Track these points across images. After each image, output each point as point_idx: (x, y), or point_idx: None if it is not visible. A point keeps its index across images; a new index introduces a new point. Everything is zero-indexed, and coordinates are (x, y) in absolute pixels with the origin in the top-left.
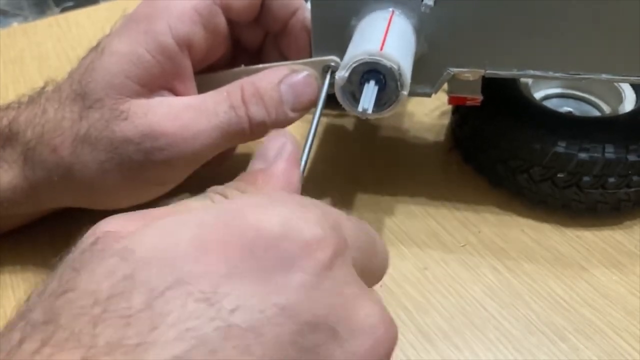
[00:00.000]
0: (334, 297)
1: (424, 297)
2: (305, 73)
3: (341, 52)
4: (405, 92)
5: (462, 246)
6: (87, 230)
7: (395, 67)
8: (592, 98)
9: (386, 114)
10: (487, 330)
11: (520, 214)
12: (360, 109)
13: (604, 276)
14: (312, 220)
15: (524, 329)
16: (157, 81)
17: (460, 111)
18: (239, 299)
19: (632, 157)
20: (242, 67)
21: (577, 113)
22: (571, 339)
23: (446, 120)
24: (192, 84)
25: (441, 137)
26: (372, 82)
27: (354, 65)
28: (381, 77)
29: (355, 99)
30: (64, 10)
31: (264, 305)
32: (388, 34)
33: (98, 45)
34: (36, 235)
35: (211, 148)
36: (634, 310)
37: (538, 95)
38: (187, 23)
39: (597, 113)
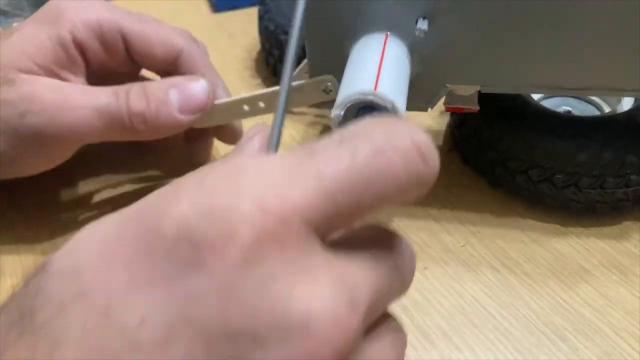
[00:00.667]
0: (257, 298)
1: (424, 297)
2: (201, 82)
3: (337, 70)
4: None
5: (462, 246)
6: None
7: (390, 105)
8: (592, 97)
9: None
10: (487, 330)
11: (520, 214)
12: None
13: (603, 276)
14: (220, 205)
15: (523, 329)
16: (50, 66)
17: (459, 113)
18: (144, 311)
19: (630, 157)
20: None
21: (575, 112)
22: (571, 339)
23: (445, 121)
24: (83, 79)
25: (440, 138)
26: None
27: (349, 104)
28: (376, 112)
29: None
30: None
31: (170, 318)
32: (382, 67)
33: (13, 29)
34: (37, 232)
35: (88, 128)
36: (634, 310)
37: (536, 95)
38: (87, 32)
39: (596, 112)
